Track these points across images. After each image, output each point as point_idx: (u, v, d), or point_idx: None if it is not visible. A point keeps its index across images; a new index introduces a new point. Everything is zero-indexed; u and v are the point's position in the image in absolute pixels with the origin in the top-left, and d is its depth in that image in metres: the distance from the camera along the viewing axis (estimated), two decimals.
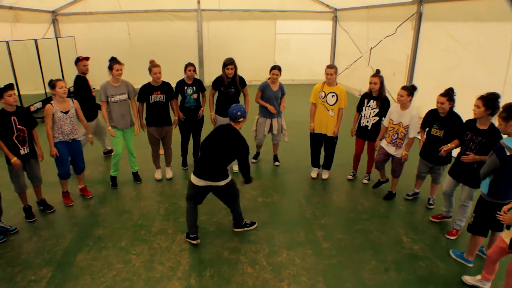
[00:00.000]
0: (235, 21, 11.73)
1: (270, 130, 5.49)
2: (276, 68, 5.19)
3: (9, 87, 3.76)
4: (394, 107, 4.52)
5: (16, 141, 3.85)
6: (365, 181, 5.25)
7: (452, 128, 3.97)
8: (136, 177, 5.17)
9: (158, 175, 5.25)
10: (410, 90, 4.30)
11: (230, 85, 5.04)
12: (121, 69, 4.55)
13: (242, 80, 5.15)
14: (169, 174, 5.29)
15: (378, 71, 4.73)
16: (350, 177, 5.36)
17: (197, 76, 5.21)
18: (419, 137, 4.47)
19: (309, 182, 5.26)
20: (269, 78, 5.25)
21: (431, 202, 4.56)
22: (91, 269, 3.33)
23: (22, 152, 3.91)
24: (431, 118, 4.19)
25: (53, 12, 10.49)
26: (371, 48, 10.15)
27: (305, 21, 12.24)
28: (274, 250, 3.69)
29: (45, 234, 3.88)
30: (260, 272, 3.35)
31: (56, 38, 10.00)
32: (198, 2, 11.11)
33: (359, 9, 10.57)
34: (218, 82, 5.09)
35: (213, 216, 4.27)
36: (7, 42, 7.50)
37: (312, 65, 12.40)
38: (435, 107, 4.10)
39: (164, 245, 3.72)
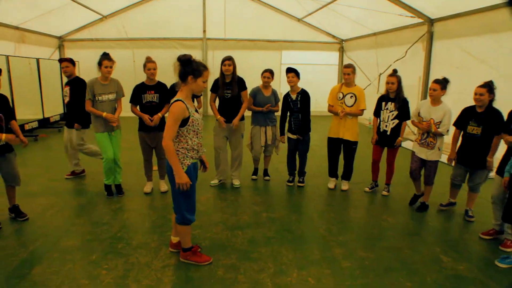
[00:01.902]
0: (241, 50, 11.56)
1: (267, 140, 4.99)
2: (267, 71, 4.80)
3: None
4: (423, 102, 4.10)
5: None
6: (384, 193, 4.63)
7: (491, 124, 3.50)
8: (119, 190, 4.51)
9: (147, 188, 4.60)
10: (443, 83, 3.85)
11: (226, 86, 4.56)
12: (110, 67, 4.12)
13: (241, 82, 4.64)
14: (163, 187, 4.63)
15: (395, 71, 4.32)
16: (367, 189, 4.73)
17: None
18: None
19: (321, 196, 4.62)
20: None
21: (470, 214, 3.89)
22: (47, 284, 2.61)
23: None
24: (466, 115, 3.73)
25: (60, 37, 10.52)
26: (380, 74, 9.85)
27: (311, 52, 12.13)
28: (282, 269, 2.94)
29: (3, 243, 3.19)
30: None
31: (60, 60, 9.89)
32: (204, 31, 11.13)
33: (366, 37, 10.44)
34: (215, 85, 4.64)
35: (206, 231, 3.57)
36: (7, 57, 7.26)
37: (318, 96, 12.05)
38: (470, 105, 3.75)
39: (144, 260, 3.00)
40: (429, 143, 3.97)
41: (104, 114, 4.14)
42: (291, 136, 4.81)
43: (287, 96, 4.74)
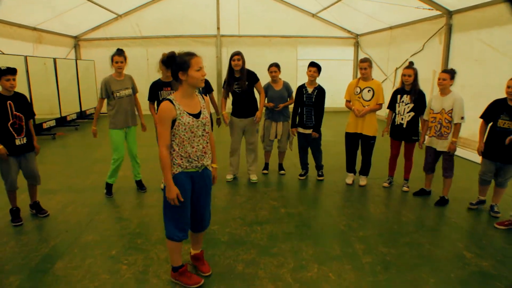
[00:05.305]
0: (256, 47, 11.54)
1: (277, 135, 4.98)
2: (273, 65, 4.76)
3: (10, 71, 3.36)
4: (433, 96, 4.08)
5: (12, 129, 3.41)
6: (405, 188, 4.53)
7: None
8: (140, 185, 4.55)
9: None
10: (451, 73, 3.89)
11: (235, 81, 4.51)
12: (121, 62, 4.09)
13: (251, 75, 4.57)
14: None
15: (411, 63, 4.25)
16: (386, 184, 4.67)
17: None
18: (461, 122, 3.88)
19: (339, 191, 4.55)
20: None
21: (495, 209, 3.77)
22: (68, 278, 2.64)
23: (18, 142, 3.46)
24: (497, 108, 3.60)
25: (75, 37, 10.68)
26: (396, 69, 9.65)
27: (326, 47, 11.97)
28: (302, 264, 2.90)
29: (25, 239, 3.25)
30: None
31: (76, 60, 10.03)
32: (218, 28, 11.11)
33: (382, 31, 10.24)
34: (225, 81, 4.63)
35: (225, 226, 3.56)
36: (25, 57, 7.39)
37: (333, 92, 11.89)
38: (501, 97, 3.59)
39: (163, 255, 3.00)
40: (443, 133, 3.94)
41: (93, 128, 4.26)
42: (302, 130, 4.76)
43: (302, 87, 4.68)
